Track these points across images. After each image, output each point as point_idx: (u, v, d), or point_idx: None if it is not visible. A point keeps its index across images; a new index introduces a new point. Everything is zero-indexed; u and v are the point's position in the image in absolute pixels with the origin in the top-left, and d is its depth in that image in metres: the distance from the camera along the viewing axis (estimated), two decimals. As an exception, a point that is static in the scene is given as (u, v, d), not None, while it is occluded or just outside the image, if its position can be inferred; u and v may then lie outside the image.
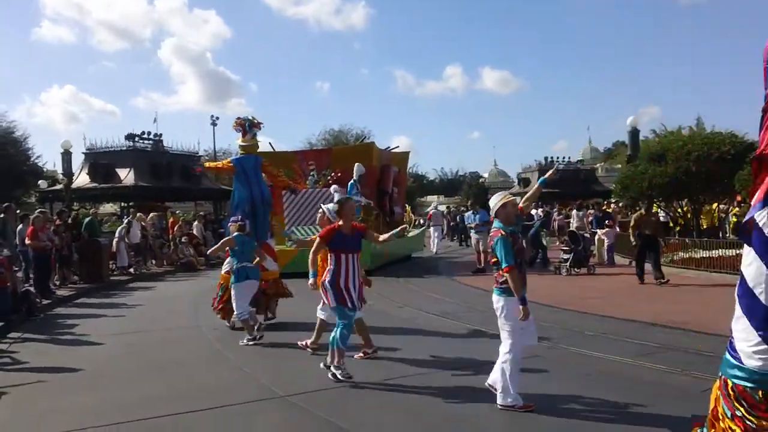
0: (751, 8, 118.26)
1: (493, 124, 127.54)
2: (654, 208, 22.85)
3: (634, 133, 20.37)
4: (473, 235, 17.17)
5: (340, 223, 6.60)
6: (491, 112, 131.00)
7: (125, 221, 19.68)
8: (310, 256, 6.71)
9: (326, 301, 6.61)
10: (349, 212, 6.70)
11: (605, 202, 30.93)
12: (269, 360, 7.66)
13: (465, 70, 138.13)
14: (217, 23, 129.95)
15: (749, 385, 2.95)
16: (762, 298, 2.89)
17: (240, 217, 9.34)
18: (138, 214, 20.66)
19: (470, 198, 39.88)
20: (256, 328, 8.72)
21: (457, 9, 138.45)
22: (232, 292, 8.87)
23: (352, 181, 17.59)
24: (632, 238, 13.99)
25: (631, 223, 14.30)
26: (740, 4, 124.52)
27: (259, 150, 11.14)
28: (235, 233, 8.90)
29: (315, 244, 6.69)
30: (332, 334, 6.52)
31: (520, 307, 5.17)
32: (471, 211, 17.80)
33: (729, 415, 3.04)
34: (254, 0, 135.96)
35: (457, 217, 30.00)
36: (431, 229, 27.50)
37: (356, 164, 17.66)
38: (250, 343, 8.50)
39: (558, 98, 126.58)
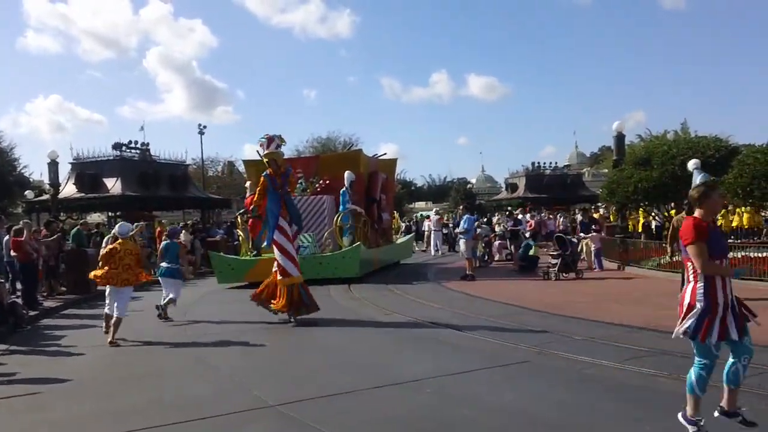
0: (733, 12, 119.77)
1: (479, 130, 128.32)
2: (639, 212, 23.06)
3: (620, 137, 20.47)
4: (461, 241, 17.08)
5: (698, 215, 4.47)
6: (478, 118, 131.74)
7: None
8: (705, 267, 4.27)
9: (699, 335, 4.29)
10: (718, 200, 4.61)
11: (593, 207, 31.26)
12: (259, 369, 7.64)
13: (451, 77, 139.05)
14: (203, 32, 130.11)
15: None
16: None
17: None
18: (125, 224, 20.48)
19: (461, 203, 39.97)
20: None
21: (442, 16, 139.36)
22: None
23: (344, 189, 17.64)
24: (668, 249, 11.94)
25: (669, 231, 11.55)
26: (721, 8, 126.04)
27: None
28: (165, 241, 11.88)
29: (695, 247, 4.28)
30: (689, 376, 4.53)
31: None
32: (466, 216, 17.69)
33: None
34: (240, 9, 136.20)
35: (451, 224, 29.70)
36: (432, 233, 27.62)
37: (346, 172, 17.75)
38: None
39: (544, 104, 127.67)
